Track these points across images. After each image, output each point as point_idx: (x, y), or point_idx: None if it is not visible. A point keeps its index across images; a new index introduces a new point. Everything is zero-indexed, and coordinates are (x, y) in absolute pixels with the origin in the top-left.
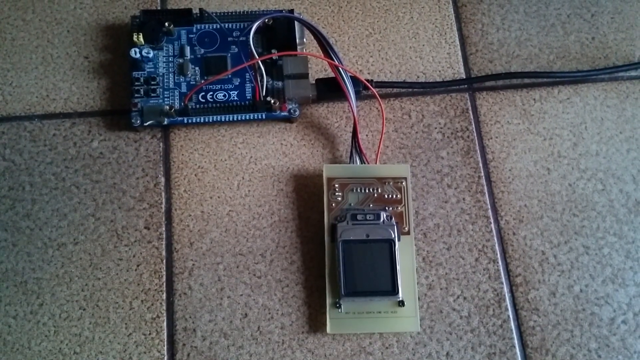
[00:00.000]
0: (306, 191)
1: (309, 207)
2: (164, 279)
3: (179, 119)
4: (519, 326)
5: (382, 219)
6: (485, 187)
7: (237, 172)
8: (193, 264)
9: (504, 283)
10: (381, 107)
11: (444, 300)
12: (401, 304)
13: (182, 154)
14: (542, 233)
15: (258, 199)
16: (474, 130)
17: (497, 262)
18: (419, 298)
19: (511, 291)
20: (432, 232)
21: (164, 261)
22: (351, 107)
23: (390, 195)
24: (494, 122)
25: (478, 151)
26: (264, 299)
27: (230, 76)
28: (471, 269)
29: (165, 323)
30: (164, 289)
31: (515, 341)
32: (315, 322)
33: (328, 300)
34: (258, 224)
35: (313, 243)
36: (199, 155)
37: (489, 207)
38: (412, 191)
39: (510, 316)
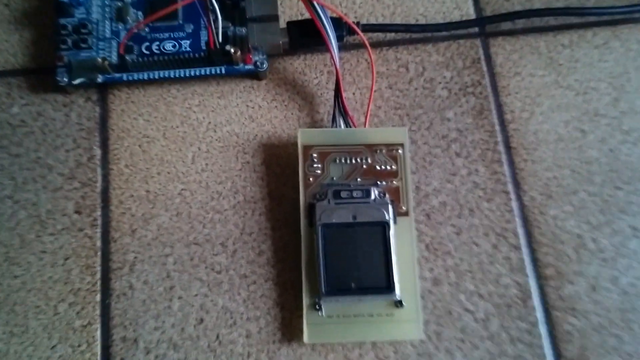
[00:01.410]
0: (278, 164)
1: (282, 183)
2: (99, 276)
3: (118, 75)
4: (550, 331)
5: (373, 197)
6: (504, 156)
7: (191, 142)
8: (135, 257)
9: (530, 276)
10: (371, 58)
11: (453, 298)
12: (399, 304)
13: (124, 120)
14: (577, 211)
15: (218, 175)
16: (488, 84)
17: (521, 250)
18: (421, 296)
19: (540, 286)
20: (437, 212)
21: (99, 253)
22: (333, 58)
23: (383, 167)
24: (512, 75)
25: (493, 111)
26: (224, 300)
27: (181, 22)
28: (488, 258)
29: (99, 332)
30: (99, 288)
31: (546, 350)
32: (289, 329)
33: (305, 301)
34: (218, 206)
35: (286, 228)
36: (145, 122)
37: (509, 180)
38: (410, 162)
39: (539, 318)
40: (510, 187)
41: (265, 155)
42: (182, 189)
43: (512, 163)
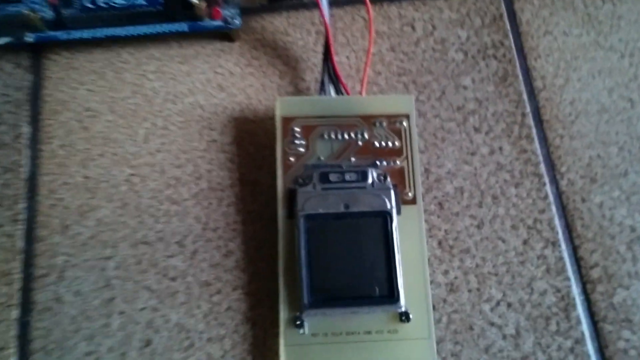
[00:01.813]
0: (252, 143)
1: (256, 166)
2: (17, 286)
3: (53, 34)
4: (600, 349)
5: (370, 180)
6: (534, 130)
7: (145, 117)
8: (66, 261)
9: (573, 279)
10: (369, 15)
11: (475, 309)
12: (405, 318)
13: (61, 91)
14: (628, 198)
15: (176, 157)
16: (513, 46)
17: (559, 246)
18: (433, 307)
19: (585, 291)
20: (453, 200)
21: (20, 257)
22: (322, 15)
23: (383, 143)
24: (542, 34)
25: (520, 77)
26: (179, 315)
27: None
28: (517, 257)
29: (16, 359)
30: (16, 302)
31: None
32: (262, 352)
33: (283, 315)
34: (175, 195)
35: (261, 222)
36: (87, 92)
37: (542, 159)
38: (418, 139)
39: (586, 333)
40: (543, 169)
41: (237, 132)
42: (130, 175)
43: (544, 139)
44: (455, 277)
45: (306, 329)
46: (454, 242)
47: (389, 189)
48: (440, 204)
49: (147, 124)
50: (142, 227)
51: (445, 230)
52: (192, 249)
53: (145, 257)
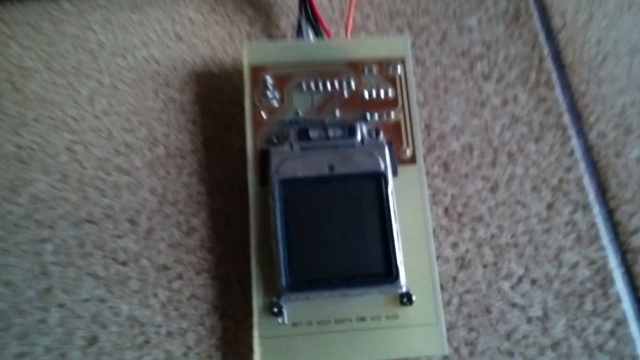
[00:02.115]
0: (218, 101)
1: (222, 128)
2: None
3: None
4: None
5: (359, 136)
6: (554, 75)
7: (89, 74)
8: None
9: (609, 248)
10: None
11: (492, 288)
12: (406, 300)
13: None
14: None
15: (127, 119)
16: None
17: (591, 210)
18: (441, 287)
19: (624, 263)
20: (460, 160)
21: None
22: None
23: (374, 93)
24: None
25: (535, 14)
26: (131, 307)
27: None
28: (541, 224)
29: None
30: None
31: None
32: (233, 348)
33: (257, 302)
34: (126, 164)
35: (229, 193)
36: (20, 48)
37: (565, 109)
38: (417, 90)
39: (628, 312)
40: (567, 120)
41: (200, 89)
42: (71, 142)
43: (567, 86)
44: (467, 251)
45: (285, 317)
46: (464, 209)
47: (382, 146)
48: (445, 165)
49: (92, 82)
50: (86, 202)
51: (453, 196)
52: (146, 227)
53: (90, 239)
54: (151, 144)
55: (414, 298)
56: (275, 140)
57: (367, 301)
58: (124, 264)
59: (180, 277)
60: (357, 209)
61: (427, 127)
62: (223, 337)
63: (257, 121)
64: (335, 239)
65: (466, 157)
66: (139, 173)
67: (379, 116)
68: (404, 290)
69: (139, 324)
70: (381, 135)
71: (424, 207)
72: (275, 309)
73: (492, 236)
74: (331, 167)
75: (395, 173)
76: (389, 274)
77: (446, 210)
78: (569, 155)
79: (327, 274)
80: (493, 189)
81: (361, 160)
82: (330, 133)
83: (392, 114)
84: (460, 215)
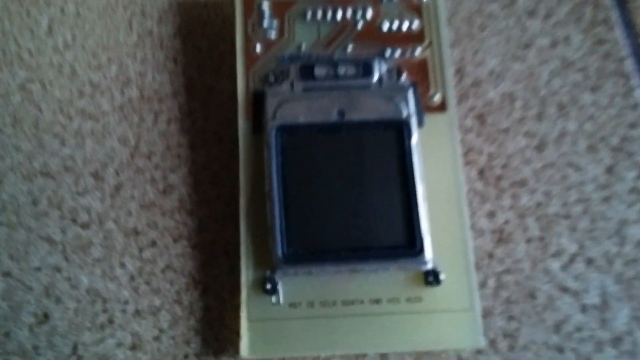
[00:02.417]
0: (204, 34)
1: (210, 67)
2: None
3: None
4: None
5: (377, 75)
6: (615, 13)
7: (48, 0)
8: None
9: None
10: None
11: (537, 268)
12: (432, 279)
13: None
14: None
15: (94, 55)
16: None
17: None
18: (476, 266)
19: None
20: (499, 112)
21: None
22: None
23: (395, 24)
24: None
25: None
26: (92, 278)
27: None
28: (599, 192)
29: None
30: None
31: None
32: (216, 331)
33: (246, 276)
34: (91, 108)
35: (215, 144)
36: None
37: (628, 53)
38: (448, 26)
39: None
40: (629, 66)
41: (182, 20)
42: (26, 80)
43: (629, 25)
44: (506, 222)
45: (281, 296)
46: (503, 170)
47: (405, 89)
48: (480, 118)
49: (52, 9)
50: (42, 152)
51: (489, 155)
52: (114, 183)
53: (45, 195)
54: (123, 84)
55: (441, 277)
56: (272, 79)
57: (383, 279)
58: (85, 226)
59: (153, 244)
60: (373, 165)
61: (459, 72)
62: (204, 319)
63: (250, 56)
64: (345, 200)
65: (506, 109)
66: (106, 118)
67: (401, 53)
68: (429, 266)
69: (101, 299)
70: (404, 75)
71: (456, 166)
72: (269, 285)
73: (538, 205)
74: (341, 113)
75: (420, 123)
76: (412, 245)
77: (481, 172)
78: (632, 108)
79: (333, 244)
80: (539, 148)
81: (378, 105)
82: (341, 71)
83: (418, 51)
84: (498, 178)
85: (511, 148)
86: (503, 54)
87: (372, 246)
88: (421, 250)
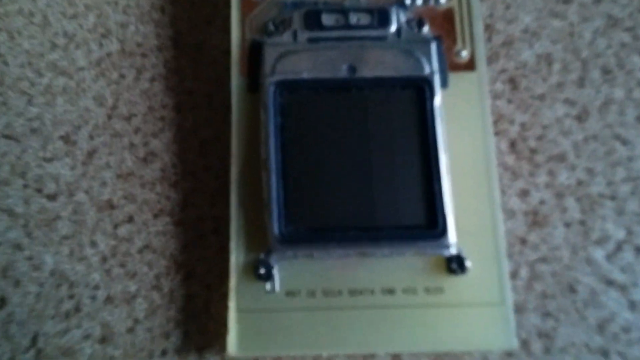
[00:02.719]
0: None
1: (199, 17)
2: None
3: None
4: None
5: (395, 25)
6: None
7: None
8: None
9: None
10: None
11: (578, 257)
12: (456, 265)
13: None
14: None
15: (69, 3)
16: None
17: None
18: (507, 254)
19: None
20: (534, 76)
21: None
22: None
23: None
24: None
25: None
26: (58, 258)
27: None
28: None
29: None
30: None
31: None
32: (201, 323)
33: (236, 258)
34: (64, 62)
35: (203, 106)
36: None
37: None
38: None
39: None
40: None
41: None
42: None
43: None
44: (542, 202)
45: (277, 283)
46: (538, 143)
47: (427, 42)
48: (512, 81)
49: None
50: (6, 111)
51: (522, 124)
52: (87, 149)
53: (7, 160)
54: (101, 36)
55: (467, 264)
56: (271, 28)
57: (398, 265)
58: (52, 197)
59: (130, 219)
60: (388, 130)
61: (488, 29)
62: (186, 308)
63: (246, 1)
64: (354, 171)
65: (542, 72)
66: (81, 74)
67: (423, 1)
68: (453, 251)
69: (67, 283)
70: (426, 27)
71: (485, 134)
72: (262, 270)
73: (579, 183)
74: (352, 69)
75: (444, 82)
76: (433, 225)
77: (513, 145)
78: None
79: (340, 222)
80: (580, 118)
81: (396, 60)
82: (353, 19)
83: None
84: (533, 151)
85: (548, 117)
86: (539, 10)
87: (386, 226)
88: (444, 231)
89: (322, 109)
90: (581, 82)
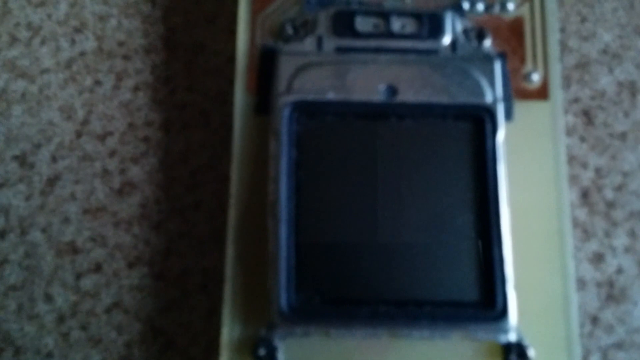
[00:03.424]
0: None
1: (198, 15)
2: None
3: None
4: None
5: (449, 36)
6: None
7: None
8: None
9: None
10: None
11: None
12: (518, 355)
13: None
14: None
15: None
16: None
17: None
18: (582, 332)
19: None
20: (614, 108)
21: None
22: None
23: None
24: None
25: None
26: (2, 316)
27: None
28: None
29: None
30: None
31: None
32: None
33: (228, 332)
34: (25, 63)
35: (198, 127)
36: None
37: None
38: None
39: None
40: None
41: None
42: None
43: None
44: (620, 270)
45: None
46: (617, 194)
47: (489, 60)
48: (586, 114)
49: None
50: None
51: (598, 170)
52: (49, 174)
53: None
54: (74, 30)
55: (530, 354)
56: (289, 31)
57: (441, 351)
58: None
59: (97, 269)
60: (435, 173)
61: (561, 47)
62: None
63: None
64: (389, 227)
65: (624, 104)
66: (46, 78)
67: (486, 7)
68: (513, 337)
69: (12, 348)
70: (488, 40)
71: (559, 182)
72: (263, 351)
73: None
74: (392, 90)
75: (509, 114)
76: (489, 303)
77: (585, 195)
78: None
79: (366, 293)
80: None
81: (449, 81)
82: (395, 26)
83: (511, 5)
84: (610, 205)
85: (629, 162)
86: (622, 26)
87: (427, 301)
88: (503, 312)
89: (351, 141)
90: None
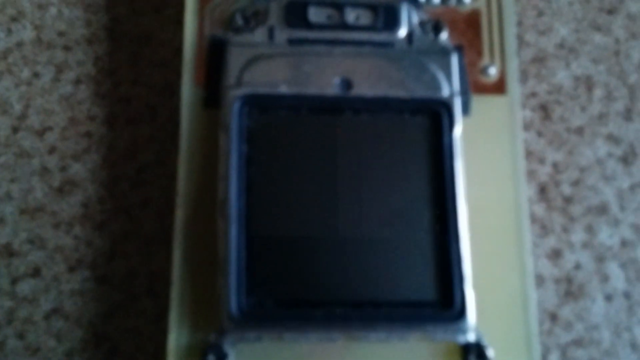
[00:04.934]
0: None
1: (145, 4)
2: None
3: None
4: None
5: (406, 28)
6: None
7: None
8: None
9: None
10: None
11: (622, 340)
12: (477, 355)
13: None
14: None
15: None
16: None
17: None
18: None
19: None
20: (571, 103)
21: None
22: None
23: None
24: None
25: None
26: None
27: None
28: None
29: None
30: None
31: None
32: None
33: (175, 338)
34: None
35: (143, 121)
36: None
37: None
38: None
39: None
40: None
41: None
42: None
43: None
44: (578, 266)
45: None
46: (574, 189)
47: (446, 53)
48: (543, 109)
49: None
50: None
51: (555, 165)
52: None
53: None
54: (10, 19)
55: (489, 354)
56: (239, 22)
57: (399, 353)
58: None
59: (35, 273)
60: (391, 169)
61: (518, 41)
62: None
63: None
64: (343, 226)
65: (581, 99)
66: None
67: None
68: (472, 338)
69: None
70: (444, 32)
71: (516, 178)
72: (212, 357)
73: (624, 244)
74: (346, 83)
75: (466, 108)
76: (447, 303)
77: (543, 190)
78: None
79: (321, 294)
80: (627, 160)
81: (405, 75)
82: (350, 17)
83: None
84: (567, 200)
85: (586, 157)
86: (578, 20)
87: (383, 301)
88: (461, 312)
89: (304, 136)
90: (628, 114)
